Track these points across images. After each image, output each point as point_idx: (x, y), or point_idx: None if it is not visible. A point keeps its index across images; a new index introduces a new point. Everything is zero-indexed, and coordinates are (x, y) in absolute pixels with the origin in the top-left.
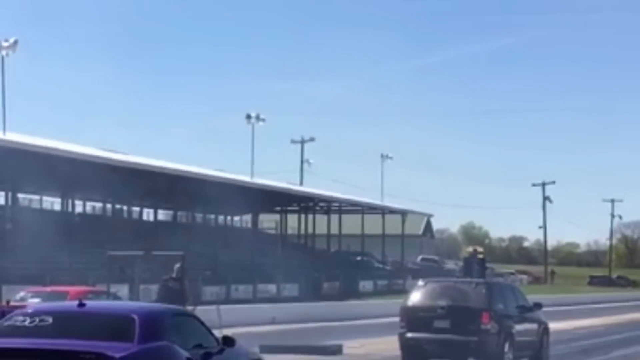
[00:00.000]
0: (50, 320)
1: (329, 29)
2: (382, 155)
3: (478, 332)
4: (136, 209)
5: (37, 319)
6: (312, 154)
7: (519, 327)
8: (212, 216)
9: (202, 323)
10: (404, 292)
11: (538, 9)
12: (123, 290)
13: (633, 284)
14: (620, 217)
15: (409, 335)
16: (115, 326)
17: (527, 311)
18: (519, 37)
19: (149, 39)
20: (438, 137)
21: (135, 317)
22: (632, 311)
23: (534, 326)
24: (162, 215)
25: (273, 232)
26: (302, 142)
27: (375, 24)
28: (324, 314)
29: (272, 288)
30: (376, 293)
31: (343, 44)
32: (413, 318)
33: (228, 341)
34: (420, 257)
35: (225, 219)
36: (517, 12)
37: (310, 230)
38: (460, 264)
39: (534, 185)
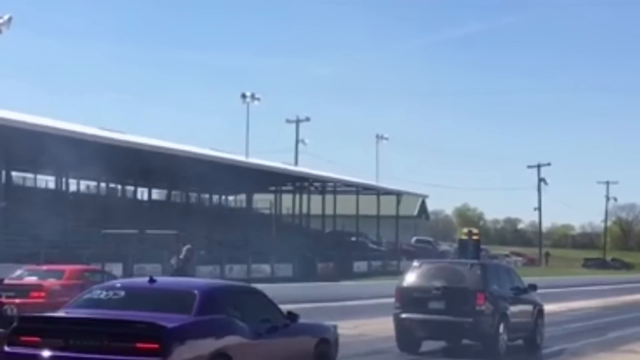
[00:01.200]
0: (122, 294)
1: (326, 8)
2: (377, 136)
3: (473, 313)
4: (130, 188)
5: (111, 293)
6: (307, 133)
7: (513, 309)
8: (207, 196)
9: (270, 300)
10: (398, 273)
11: None
12: (117, 268)
13: (627, 267)
14: (615, 199)
15: (404, 315)
16: (178, 300)
17: (522, 292)
18: (517, 17)
19: (145, 15)
20: (433, 118)
21: (197, 292)
22: (626, 293)
23: (529, 307)
24: (157, 194)
25: (267, 212)
26: (297, 121)
27: (373, 3)
28: (318, 294)
29: (266, 268)
30: (370, 274)
31: (339, 23)
32: (408, 299)
33: (292, 317)
34: (414, 239)
35: (220, 198)
36: None
37: (304, 210)
38: (455, 245)
39: (529, 167)
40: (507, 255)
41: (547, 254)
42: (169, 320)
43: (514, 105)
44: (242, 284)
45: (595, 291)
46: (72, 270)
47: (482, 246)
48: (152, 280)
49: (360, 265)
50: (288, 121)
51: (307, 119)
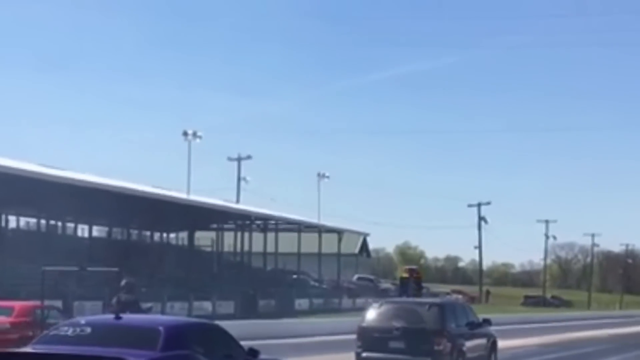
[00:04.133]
0: (89, 330)
1: (267, 46)
2: (318, 174)
3: (431, 353)
4: (71, 225)
5: (78, 329)
6: (249, 171)
7: (469, 344)
8: (148, 233)
9: (231, 336)
10: (340, 310)
11: (479, 30)
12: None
13: (567, 304)
14: (555, 237)
15: (365, 355)
16: (143, 336)
17: (476, 327)
18: (457, 57)
19: (87, 48)
20: (375, 156)
21: (161, 328)
22: (566, 331)
23: (483, 341)
24: (97, 231)
25: (209, 249)
26: (239, 159)
27: (313, 43)
28: (260, 332)
29: (207, 305)
30: (312, 311)
31: (281, 61)
32: (369, 338)
33: (253, 353)
34: (356, 276)
35: (161, 235)
36: (459, 32)
37: (246, 248)
38: (397, 283)
39: (469, 205)
40: (447, 294)
41: (488, 292)
42: (135, 356)
43: (455, 144)
44: (205, 320)
45: (535, 329)
46: (21, 307)
47: (423, 284)
48: (117, 317)
49: (301, 303)
50: (230, 159)
51: (249, 157)
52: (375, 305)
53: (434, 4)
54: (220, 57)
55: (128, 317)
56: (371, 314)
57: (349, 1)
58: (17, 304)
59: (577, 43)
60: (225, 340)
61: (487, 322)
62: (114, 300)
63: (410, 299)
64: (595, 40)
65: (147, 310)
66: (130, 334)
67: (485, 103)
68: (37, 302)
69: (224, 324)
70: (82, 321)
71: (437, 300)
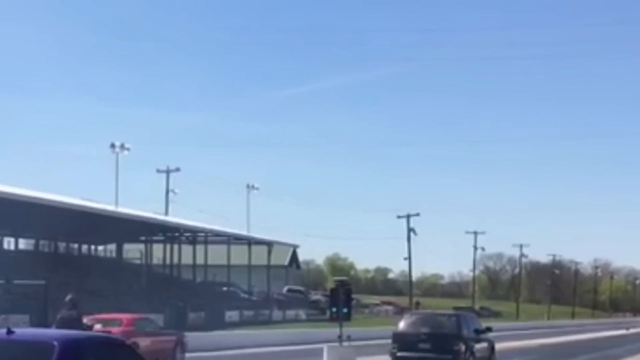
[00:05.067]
0: None
1: (194, 59)
2: (248, 186)
3: (451, 352)
4: None
5: None
6: (177, 183)
7: (477, 346)
8: (76, 245)
9: (134, 351)
10: (271, 322)
11: (408, 42)
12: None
13: (496, 315)
14: (483, 249)
15: (400, 354)
16: (36, 352)
17: (481, 333)
18: (388, 69)
19: (8, 61)
20: (304, 167)
21: (56, 343)
22: (495, 341)
23: (486, 345)
24: (24, 244)
25: (138, 262)
26: (168, 171)
27: (242, 55)
28: (190, 344)
29: None
30: (242, 323)
31: (209, 74)
32: (402, 341)
33: None
34: (286, 288)
35: (89, 248)
36: (389, 45)
37: (175, 260)
38: (327, 294)
39: (399, 217)
40: (377, 305)
41: (418, 303)
42: None
43: (383, 155)
44: (106, 334)
45: None
46: (127, 318)
47: (353, 295)
48: (9, 332)
49: (232, 315)
50: (158, 171)
51: (178, 169)
52: (407, 316)
53: (366, 17)
54: (148, 70)
55: (21, 331)
56: (403, 322)
57: (280, 13)
58: (124, 316)
59: (502, 55)
60: (128, 356)
61: (489, 329)
62: (58, 316)
63: (436, 311)
64: (519, 53)
65: (88, 327)
66: (21, 349)
67: (415, 114)
68: (139, 314)
69: None
70: None
71: (454, 312)
